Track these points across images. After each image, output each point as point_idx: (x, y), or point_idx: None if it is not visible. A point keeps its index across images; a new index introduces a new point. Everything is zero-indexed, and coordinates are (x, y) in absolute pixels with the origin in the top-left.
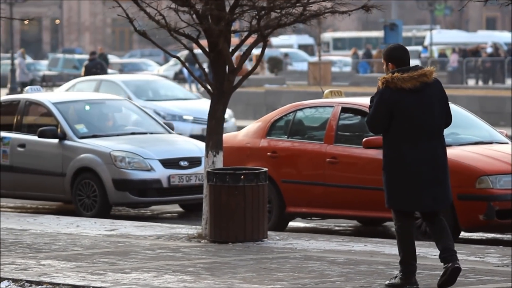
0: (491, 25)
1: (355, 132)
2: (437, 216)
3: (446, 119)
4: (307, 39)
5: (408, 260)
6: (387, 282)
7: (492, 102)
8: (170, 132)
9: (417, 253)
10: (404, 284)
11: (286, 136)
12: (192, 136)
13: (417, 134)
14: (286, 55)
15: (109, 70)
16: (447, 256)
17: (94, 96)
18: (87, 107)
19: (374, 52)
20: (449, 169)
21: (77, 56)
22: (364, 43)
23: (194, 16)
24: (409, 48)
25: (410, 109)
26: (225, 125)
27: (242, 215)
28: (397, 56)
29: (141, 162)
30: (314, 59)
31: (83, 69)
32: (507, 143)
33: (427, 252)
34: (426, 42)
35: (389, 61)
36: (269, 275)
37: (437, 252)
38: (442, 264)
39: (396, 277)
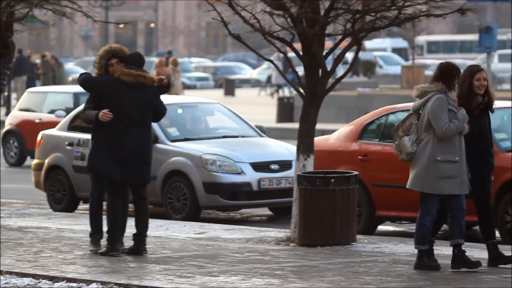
0: None
1: None
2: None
3: (156, 115)
4: (401, 43)
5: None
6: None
7: None
8: (261, 136)
9: None
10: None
11: (377, 140)
12: None
13: (129, 120)
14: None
15: (203, 74)
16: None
17: (186, 99)
18: (179, 110)
19: None
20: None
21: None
22: (458, 46)
23: (288, 19)
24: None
25: (121, 98)
26: None
27: (332, 218)
28: (130, 59)
29: (231, 165)
30: (408, 62)
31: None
32: None
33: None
34: None
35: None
36: (357, 278)
37: None
38: None
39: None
